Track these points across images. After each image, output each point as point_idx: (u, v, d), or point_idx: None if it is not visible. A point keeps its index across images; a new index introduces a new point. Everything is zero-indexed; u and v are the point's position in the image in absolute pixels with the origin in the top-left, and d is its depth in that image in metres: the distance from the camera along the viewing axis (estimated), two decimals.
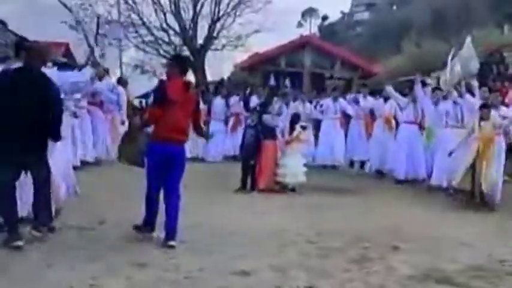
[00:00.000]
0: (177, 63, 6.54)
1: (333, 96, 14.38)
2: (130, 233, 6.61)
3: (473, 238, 7.19)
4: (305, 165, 10.67)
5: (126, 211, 7.62)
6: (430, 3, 42.35)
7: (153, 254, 5.91)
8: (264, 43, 27.94)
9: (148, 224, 6.48)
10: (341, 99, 14.39)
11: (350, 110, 14.07)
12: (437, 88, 12.25)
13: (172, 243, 6.16)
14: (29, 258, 5.58)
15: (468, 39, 16.73)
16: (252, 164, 10.27)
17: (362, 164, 14.12)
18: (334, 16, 67.49)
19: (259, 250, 6.24)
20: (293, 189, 10.30)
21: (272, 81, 22.45)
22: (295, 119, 10.89)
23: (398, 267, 5.76)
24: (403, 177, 11.72)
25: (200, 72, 27.74)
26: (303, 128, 10.89)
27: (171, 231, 6.24)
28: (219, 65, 31.88)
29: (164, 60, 29.18)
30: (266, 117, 10.56)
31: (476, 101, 10.57)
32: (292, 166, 10.35)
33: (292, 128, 10.63)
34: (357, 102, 14.19)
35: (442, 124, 11.03)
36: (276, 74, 23.10)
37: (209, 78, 28.14)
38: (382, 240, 6.85)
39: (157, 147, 6.28)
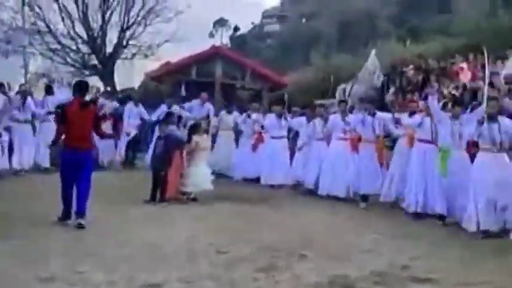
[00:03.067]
0: (76, 88, 8.40)
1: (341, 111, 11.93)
2: (38, 246, 6.45)
3: (376, 245, 7.46)
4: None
5: (33, 224, 7.45)
6: (338, 16, 43.59)
7: (59, 268, 5.77)
8: (176, 53, 27.86)
9: (67, 215, 8.04)
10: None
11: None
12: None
13: (81, 221, 7.71)
14: None
15: (373, 53, 17.38)
16: (162, 174, 10.22)
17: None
18: (245, 27, 68.12)
19: (168, 262, 6.22)
20: (194, 199, 10.31)
21: (183, 91, 22.38)
22: (192, 129, 10.90)
23: (305, 275, 5.90)
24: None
25: (109, 81, 27.28)
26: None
27: (81, 209, 7.83)
28: (130, 74, 31.54)
29: (72, 69, 28.59)
30: (172, 128, 10.65)
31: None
32: (196, 175, 10.38)
33: (190, 138, 10.63)
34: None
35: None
36: (186, 83, 23.03)
37: (118, 87, 27.74)
38: (290, 249, 6.98)
39: (66, 154, 8.11)
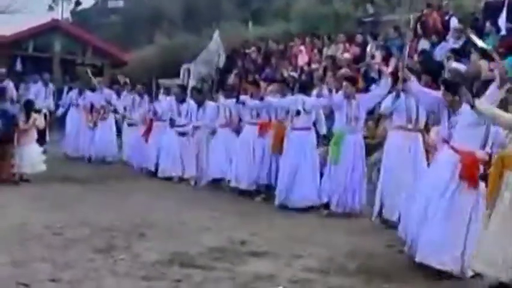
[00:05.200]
0: None
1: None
2: None
3: (214, 222, 7.63)
4: None
5: None
6: None
7: None
8: (11, 26, 26.22)
9: None
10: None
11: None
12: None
13: None
14: None
15: (216, 34, 17.54)
16: None
17: None
18: (88, 2, 65.66)
19: None
20: (27, 180, 9.88)
21: (18, 67, 21.23)
22: (29, 105, 10.39)
23: (144, 254, 5.89)
24: None
25: None
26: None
27: None
28: None
29: None
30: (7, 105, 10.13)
31: None
32: (29, 156, 9.92)
33: (28, 116, 10.12)
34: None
35: None
36: (22, 58, 21.87)
37: None
38: (128, 228, 6.93)
39: None
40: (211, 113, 11.04)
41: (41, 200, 8.68)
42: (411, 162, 7.66)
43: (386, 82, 8.35)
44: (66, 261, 5.48)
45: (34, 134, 10.19)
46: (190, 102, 11.50)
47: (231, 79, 17.00)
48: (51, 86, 15.09)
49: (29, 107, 10.26)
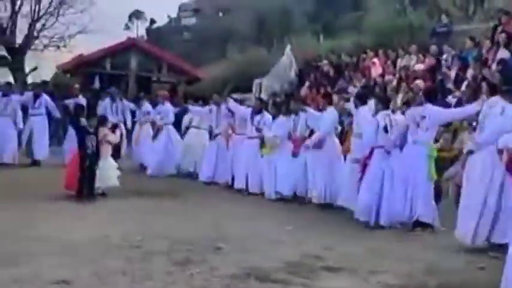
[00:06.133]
0: None
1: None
2: None
3: (288, 235, 7.60)
4: None
5: None
6: (254, 10, 43.78)
7: None
8: (90, 45, 27.18)
9: None
10: None
11: None
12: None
13: None
14: None
15: (288, 48, 17.63)
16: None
17: None
18: (161, 20, 67.34)
19: (79, 257, 6.06)
20: (103, 194, 10.08)
21: (97, 84, 21.92)
22: (102, 121, 10.60)
23: (220, 268, 5.90)
24: None
25: (19, 73, 26.27)
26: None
27: None
28: (40, 66, 30.45)
29: None
30: (83, 120, 10.35)
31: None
32: (103, 169, 10.13)
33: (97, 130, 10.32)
34: None
35: None
36: (101, 76, 22.61)
37: (29, 79, 26.76)
38: (204, 241, 6.97)
39: None
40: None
41: (118, 213, 8.85)
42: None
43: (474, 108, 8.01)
44: (145, 274, 5.57)
45: (108, 149, 10.42)
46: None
47: (303, 91, 16.99)
48: (125, 102, 15.40)
49: (101, 123, 10.46)
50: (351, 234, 7.92)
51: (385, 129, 8.52)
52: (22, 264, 5.66)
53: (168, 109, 14.01)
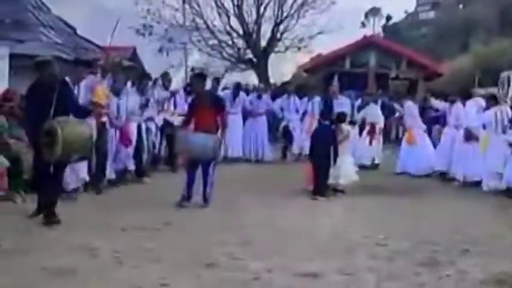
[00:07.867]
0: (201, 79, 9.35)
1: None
2: (195, 234, 6.72)
3: None
4: None
5: (190, 212, 7.76)
6: (496, 1, 41.18)
7: (218, 254, 5.93)
8: (327, 44, 27.76)
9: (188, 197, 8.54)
10: None
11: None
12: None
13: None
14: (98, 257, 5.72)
15: None
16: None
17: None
18: (398, 16, 66.47)
19: (325, 252, 6.17)
20: (342, 191, 10.07)
21: (335, 82, 22.26)
22: (340, 118, 10.60)
23: (470, 271, 5.58)
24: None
25: (263, 74, 27.78)
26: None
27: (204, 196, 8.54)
28: (280, 67, 31.91)
29: (227, 63, 29.47)
30: None
31: None
32: (346, 165, 10.16)
33: (339, 126, 10.35)
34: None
35: None
36: (340, 75, 22.94)
37: (271, 80, 28.16)
38: (449, 243, 6.66)
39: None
40: None
41: (357, 210, 8.89)
42: None
43: None
44: (391, 273, 5.47)
45: (346, 146, 10.45)
46: None
47: None
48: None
49: (340, 119, 10.52)
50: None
51: None
52: (275, 256, 5.90)
53: None
